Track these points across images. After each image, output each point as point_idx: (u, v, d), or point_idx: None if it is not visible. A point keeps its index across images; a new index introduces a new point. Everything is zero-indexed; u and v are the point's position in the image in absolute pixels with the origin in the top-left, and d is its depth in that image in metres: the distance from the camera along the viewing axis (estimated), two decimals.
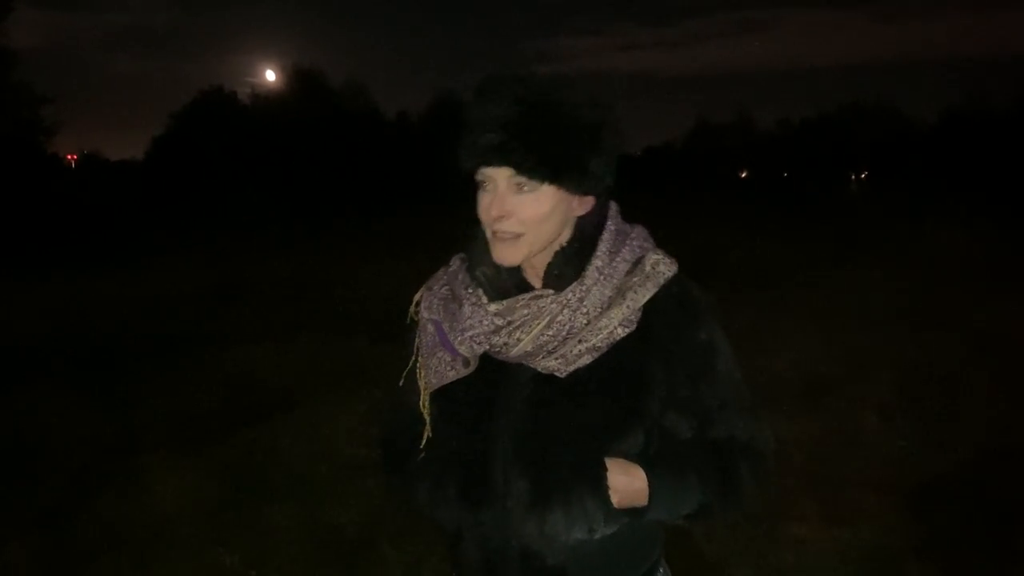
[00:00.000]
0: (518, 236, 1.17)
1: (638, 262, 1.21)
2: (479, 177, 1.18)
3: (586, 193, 1.20)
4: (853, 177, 56.31)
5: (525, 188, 1.15)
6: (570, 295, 1.17)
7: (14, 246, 14.72)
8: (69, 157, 41.65)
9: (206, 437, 4.63)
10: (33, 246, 15.18)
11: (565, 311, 1.17)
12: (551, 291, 1.19)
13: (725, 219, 14.35)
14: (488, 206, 1.17)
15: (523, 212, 1.15)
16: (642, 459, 1.19)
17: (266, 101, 44.08)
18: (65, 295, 9.32)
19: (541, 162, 1.12)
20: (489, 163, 1.14)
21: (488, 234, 1.20)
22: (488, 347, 1.20)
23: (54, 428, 4.83)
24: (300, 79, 44.13)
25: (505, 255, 1.18)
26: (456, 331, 1.21)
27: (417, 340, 1.32)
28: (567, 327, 1.16)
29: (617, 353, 1.18)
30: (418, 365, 1.32)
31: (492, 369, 1.22)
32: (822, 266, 10.39)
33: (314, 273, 10.33)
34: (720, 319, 1.25)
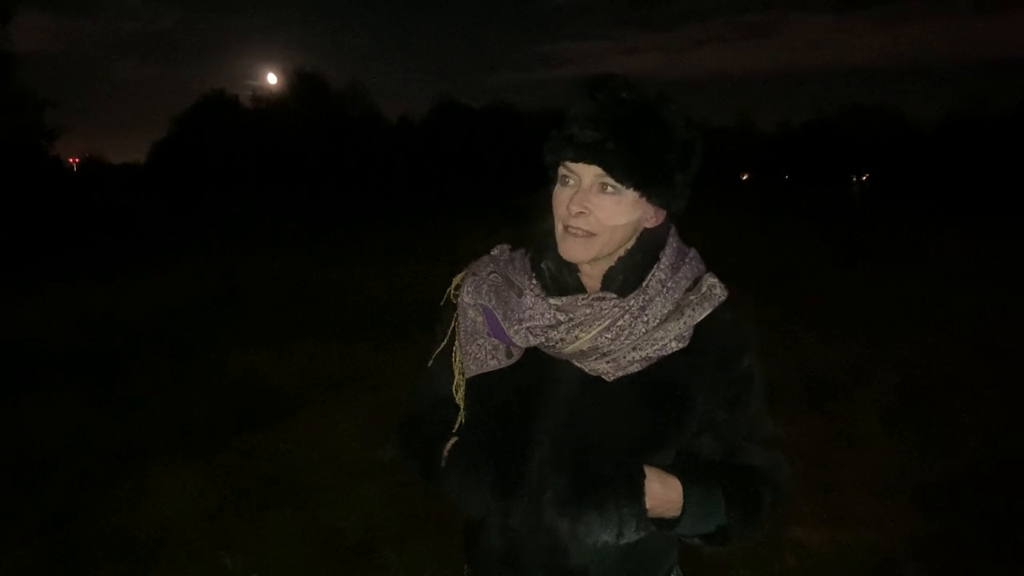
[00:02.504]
0: (591, 235, 1.17)
1: (696, 282, 1.23)
2: (562, 171, 1.18)
3: (664, 207, 1.21)
4: (855, 180, 56.15)
5: (609, 189, 1.15)
6: (632, 302, 1.18)
7: (15, 250, 14.71)
8: (71, 161, 41.52)
9: (208, 442, 4.63)
10: (34, 250, 15.17)
11: (626, 316, 1.17)
12: (613, 295, 1.19)
13: (726, 222, 14.32)
14: (568, 201, 1.17)
15: (602, 212, 1.16)
16: (674, 471, 1.20)
17: (268, 105, 44.07)
18: (66, 299, 9.30)
19: (634, 168, 1.13)
20: (580, 159, 1.14)
21: (559, 228, 1.20)
22: (543, 340, 1.19)
23: (55, 433, 4.82)
24: (302, 83, 44.11)
25: (575, 252, 1.18)
26: (512, 320, 1.20)
27: (454, 323, 1.30)
28: (627, 332, 1.17)
29: (665, 367, 1.20)
30: (453, 349, 1.31)
31: (535, 363, 1.23)
32: (824, 269, 10.37)
33: (315, 277, 10.32)
34: (762, 352, 1.26)
